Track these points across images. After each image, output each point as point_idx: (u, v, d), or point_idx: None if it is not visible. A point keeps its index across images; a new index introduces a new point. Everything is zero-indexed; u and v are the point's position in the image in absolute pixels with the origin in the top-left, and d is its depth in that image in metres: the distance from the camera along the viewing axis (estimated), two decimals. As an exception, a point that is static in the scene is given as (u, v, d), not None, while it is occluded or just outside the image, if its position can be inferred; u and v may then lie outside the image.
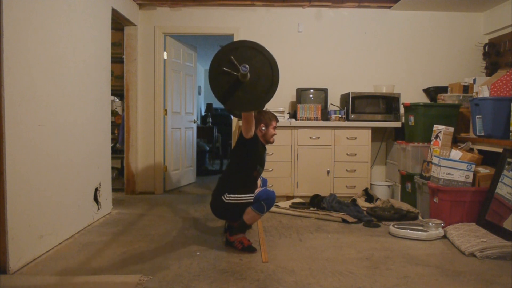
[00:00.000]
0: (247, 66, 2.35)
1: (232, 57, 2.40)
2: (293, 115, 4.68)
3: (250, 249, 2.79)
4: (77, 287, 2.20)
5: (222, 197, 2.83)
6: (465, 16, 4.87)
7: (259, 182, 3.24)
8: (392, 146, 4.72)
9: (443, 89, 4.56)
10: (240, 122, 2.82)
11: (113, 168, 4.49)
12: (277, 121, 3.12)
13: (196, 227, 3.46)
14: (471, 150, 3.63)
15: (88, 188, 3.43)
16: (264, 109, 4.56)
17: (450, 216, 3.28)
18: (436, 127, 3.73)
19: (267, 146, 3.13)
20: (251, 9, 4.85)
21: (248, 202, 2.77)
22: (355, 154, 4.45)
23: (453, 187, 3.31)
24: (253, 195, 2.76)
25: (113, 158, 4.11)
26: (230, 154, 3.02)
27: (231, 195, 2.81)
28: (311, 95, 4.63)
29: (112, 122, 4.21)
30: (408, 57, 4.92)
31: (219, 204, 2.87)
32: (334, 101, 4.84)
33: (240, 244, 2.82)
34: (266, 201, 2.73)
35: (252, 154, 2.90)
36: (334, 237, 3.18)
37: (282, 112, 4.53)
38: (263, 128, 3.01)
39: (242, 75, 2.38)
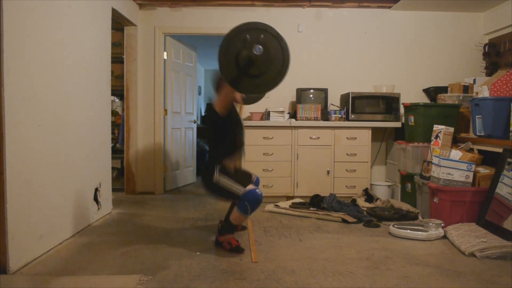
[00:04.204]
0: (261, 47, 2.27)
1: (248, 36, 2.32)
2: (293, 115, 4.68)
3: (238, 249, 2.78)
4: (77, 287, 2.20)
5: (213, 175, 2.78)
6: (465, 16, 4.87)
7: (253, 177, 3.21)
8: (392, 146, 4.72)
9: (443, 89, 4.56)
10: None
11: (113, 168, 4.49)
12: None
13: (196, 227, 3.46)
14: (471, 150, 3.63)
15: (88, 188, 3.43)
16: (265, 109, 4.57)
17: (450, 216, 3.28)
18: (436, 127, 3.73)
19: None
20: (251, 9, 4.85)
21: (235, 194, 2.72)
22: (355, 154, 4.45)
23: (453, 187, 3.31)
24: (242, 188, 2.71)
25: (113, 158, 4.11)
26: (206, 136, 2.95)
27: (222, 177, 2.76)
28: (311, 95, 4.63)
29: (112, 122, 4.21)
30: (408, 57, 4.92)
31: (209, 181, 2.82)
32: (334, 101, 4.84)
33: (228, 245, 2.81)
34: (250, 203, 2.68)
35: (231, 124, 2.84)
36: (334, 237, 3.18)
37: (282, 112, 4.53)
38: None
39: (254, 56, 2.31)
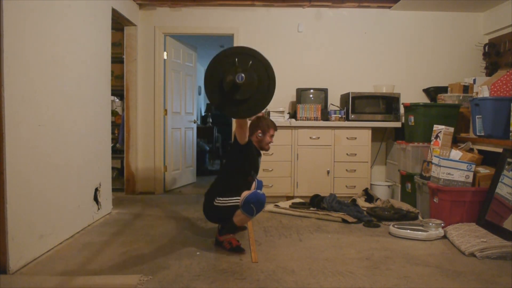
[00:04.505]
0: (243, 75, 2.36)
1: (236, 59, 2.41)
2: (293, 115, 4.68)
3: (238, 249, 2.79)
4: (77, 287, 2.20)
5: (213, 201, 2.84)
6: (465, 16, 4.87)
7: (253, 184, 3.23)
8: (392, 146, 4.72)
9: (443, 89, 4.56)
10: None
11: (113, 168, 4.49)
12: (275, 129, 3.11)
13: (196, 227, 3.46)
14: (471, 150, 3.63)
15: (88, 188, 3.43)
16: (265, 109, 4.57)
17: (450, 216, 3.28)
18: (436, 127, 3.73)
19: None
20: (251, 9, 4.86)
21: (235, 205, 2.76)
22: (355, 154, 4.45)
23: (453, 187, 3.31)
24: (239, 198, 2.74)
25: (113, 158, 4.11)
26: (225, 159, 3.05)
27: (220, 199, 2.82)
28: (311, 95, 4.63)
29: (112, 122, 4.21)
30: (408, 57, 4.92)
31: (210, 207, 2.88)
32: (334, 101, 4.84)
33: (228, 244, 2.82)
34: (255, 204, 2.70)
35: (246, 159, 2.90)
36: (334, 237, 3.18)
37: (282, 112, 4.53)
38: (260, 135, 3.01)
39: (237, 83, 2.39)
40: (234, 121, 2.92)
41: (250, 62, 2.42)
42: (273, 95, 2.49)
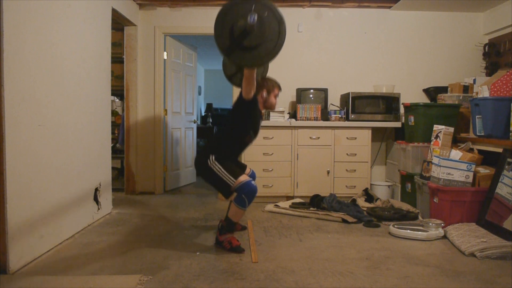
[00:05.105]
0: (255, 18, 2.34)
1: (254, 5, 2.40)
2: (293, 115, 4.68)
3: (238, 249, 2.79)
4: (77, 287, 2.20)
5: (208, 159, 2.83)
6: (465, 16, 4.87)
7: (247, 170, 3.24)
8: (392, 146, 4.72)
9: (443, 89, 4.56)
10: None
11: (113, 168, 4.49)
12: (280, 89, 3.12)
13: (196, 227, 3.46)
14: (471, 150, 3.63)
15: (88, 188, 3.43)
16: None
17: (450, 216, 3.28)
18: (436, 127, 3.73)
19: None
20: (251, 9, 4.85)
21: (227, 182, 2.76)
22: (355, 154, 4.45)
23: (453, 187, 3.31)
24: (235, 180, 2.75)
25: (113, 158, 4.11)
26: (227, 116, 3.06)
27: (217, 163, 2.81)
28: (311, 95, 4.63)
29: (112, 122, 4.21)
30: (408, 57, 4.92)
31: (203, 164, 2.87)
32: (334, 101, 4.84)
33: (228, 244, 2.82)
34: (247, 195, 2.73)
35: (248, 117, 2.92)
36: (334, 237, 3.18)
37: (282, 112, 4.52)
38: (265, 95, 3.02)
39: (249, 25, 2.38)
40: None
41: (266, 13, 2.42)
42: (280, 51, 2.46)
